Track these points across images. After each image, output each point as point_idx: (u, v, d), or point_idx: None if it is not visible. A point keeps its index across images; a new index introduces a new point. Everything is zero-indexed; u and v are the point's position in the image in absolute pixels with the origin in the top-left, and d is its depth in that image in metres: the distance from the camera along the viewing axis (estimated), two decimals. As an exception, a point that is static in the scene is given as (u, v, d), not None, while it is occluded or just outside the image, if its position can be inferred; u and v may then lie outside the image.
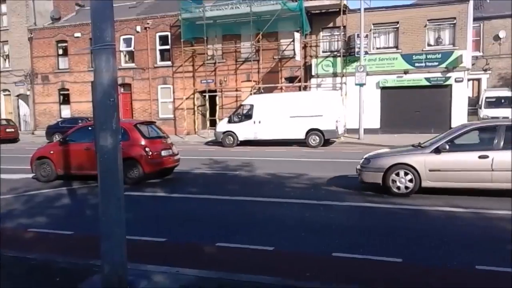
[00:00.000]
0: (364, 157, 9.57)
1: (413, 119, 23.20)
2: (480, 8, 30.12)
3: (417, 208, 7.84)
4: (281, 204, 8.49)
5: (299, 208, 8.07)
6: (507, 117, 21.95)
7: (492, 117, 22.18)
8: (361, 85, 21.22)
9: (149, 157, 10.97)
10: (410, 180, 8.71)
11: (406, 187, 8.74)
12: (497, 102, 23.34)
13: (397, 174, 8.78)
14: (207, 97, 26.49)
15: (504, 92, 24.21)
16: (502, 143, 8.33)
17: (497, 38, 29.69)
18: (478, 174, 8.39)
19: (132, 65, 28.53)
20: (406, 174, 8.73)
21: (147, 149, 10.98)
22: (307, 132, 19.64)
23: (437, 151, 8.67)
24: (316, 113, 19.46)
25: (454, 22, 22.63)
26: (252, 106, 21.00)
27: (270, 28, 24.23)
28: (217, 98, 26.98)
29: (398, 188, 8.77)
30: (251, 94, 24.38)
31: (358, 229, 6.72)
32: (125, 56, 28.90)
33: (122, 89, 28.63)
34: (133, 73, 28.54)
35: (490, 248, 5.73)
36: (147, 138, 11.32)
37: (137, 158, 10.83)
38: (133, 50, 28.44)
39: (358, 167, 9.47)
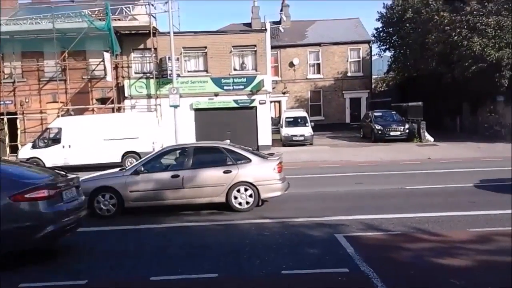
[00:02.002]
0: None
1: (226, 138, 24.49)
2: (276, 37, 34.01)
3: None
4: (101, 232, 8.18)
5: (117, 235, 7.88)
6: (303, 134, 25.19)
7: (292, 135, 25.17)
8: (175, 106, 21.70)
9: None
10: (113, 204, 9.25)
11: (108, 210, 9.25)
12: (295, 122, 26.48)
13: (103, 196, 9.23)
14: (5, 120, 23.65)
15: (300, 113, 27.62)
16: (190, 163, 9.46)
17: (291, 64, 33.92)
18: (173, 192, 9.26)
19: None
20: (111, 198, 9.23)
21: None
22: (123, 155, 19.17)
23: (136, 173, 9.39)
24: (132, 135, 19.20)
25: (255, 49, 24.94)
26: (60, 129, 19.63)
27: (77, 47, 22.99)
28: (18, 121, 24.22)
29: (101, 209, 9.22)
30: (58, 116, 22.58)
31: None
32: None
33: None
34: None
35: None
36: None
37: None
38: None
39: None
